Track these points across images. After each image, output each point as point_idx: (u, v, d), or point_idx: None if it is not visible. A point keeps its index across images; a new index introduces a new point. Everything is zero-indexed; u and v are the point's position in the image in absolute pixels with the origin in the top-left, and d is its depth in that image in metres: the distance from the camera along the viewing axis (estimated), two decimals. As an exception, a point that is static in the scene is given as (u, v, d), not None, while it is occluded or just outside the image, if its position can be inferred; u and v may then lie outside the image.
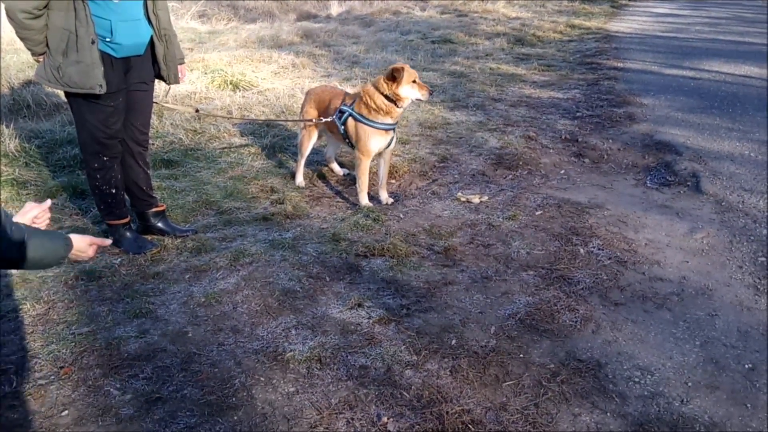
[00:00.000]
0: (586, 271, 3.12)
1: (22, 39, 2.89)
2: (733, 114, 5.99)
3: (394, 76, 3.69)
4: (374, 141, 3.82)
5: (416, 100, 3.77)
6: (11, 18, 2.79)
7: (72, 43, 2.84)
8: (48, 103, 5.65)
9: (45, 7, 2.80)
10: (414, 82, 3.72)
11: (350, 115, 3.85)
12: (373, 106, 3.74)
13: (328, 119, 3.99)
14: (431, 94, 3.80)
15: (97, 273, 3.09)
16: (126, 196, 3.41)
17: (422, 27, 11.34)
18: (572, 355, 2.49)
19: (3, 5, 2.83)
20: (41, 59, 2.98)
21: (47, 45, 2.90)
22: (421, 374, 2.36)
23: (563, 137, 5.35)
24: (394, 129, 3.89)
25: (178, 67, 3.34)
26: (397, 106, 3.75)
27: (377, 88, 3.75)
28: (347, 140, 3.97)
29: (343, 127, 3.91)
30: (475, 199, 4.05)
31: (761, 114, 5.92)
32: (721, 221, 3.69)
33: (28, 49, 2.94)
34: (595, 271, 3.11)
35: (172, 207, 3.85)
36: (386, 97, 3.72)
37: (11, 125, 4.87)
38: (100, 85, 2.90)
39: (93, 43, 2.85)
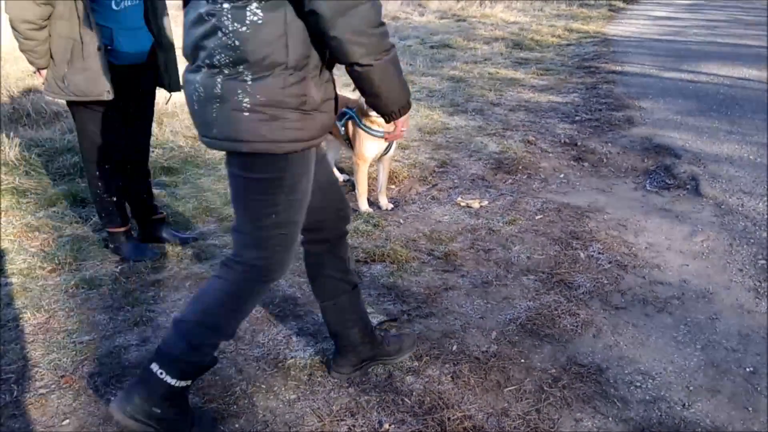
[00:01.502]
0: (586, 275, 3.13)
1: (25, 51, 2.88)
2: (731, 117, 6.00)
3: None
4: (369, 147, 3.81)
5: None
6: (15, 29, 2.79)
7: (77, 51, 2.85)
8: (48, 112, 5.66)
9: (49, 17, 2.81)
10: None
11: (350, 117, 3.86)
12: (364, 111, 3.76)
13: None
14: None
15: (97, 281, 3.09)
16: (126, 204, 3.41)
17: (421, 32, 11.37)
18: (573, 359, 2.49)
19: (6, 16, 2.84)
20: (43, 73, 2.98)
21: (51, 56, 2.90)
22: (422, 380, 2.36)
23: (562, 141, 5.36)
24: None
25: None
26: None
27: None
28: (348, 141, 3.97)
29: (343, 128, 3.92)
30: (475, 204, 4.05)
31: (760, 116, 5.93)
32: (721, 224, 3.69)
33: (31, 62, 2.94)
34: (595, 275, 3.11)
35: (173, 214, 3.85)
36: None
37: (11, 134, 4.88)
38: (108, 91, 2.92)
39: (99, 50, 2.86)
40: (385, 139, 2.03)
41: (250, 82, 1.69)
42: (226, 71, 1.70)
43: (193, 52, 1.78)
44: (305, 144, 1.80)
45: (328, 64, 1.81)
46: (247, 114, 1.71)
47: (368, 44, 1.66)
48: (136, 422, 1.92)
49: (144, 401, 1.92)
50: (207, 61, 1.72)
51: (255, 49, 1.67)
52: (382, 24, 1.68)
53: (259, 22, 1.65)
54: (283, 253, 1.95)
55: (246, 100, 1.70)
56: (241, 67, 1.69)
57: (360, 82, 1.76)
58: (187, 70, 1.84)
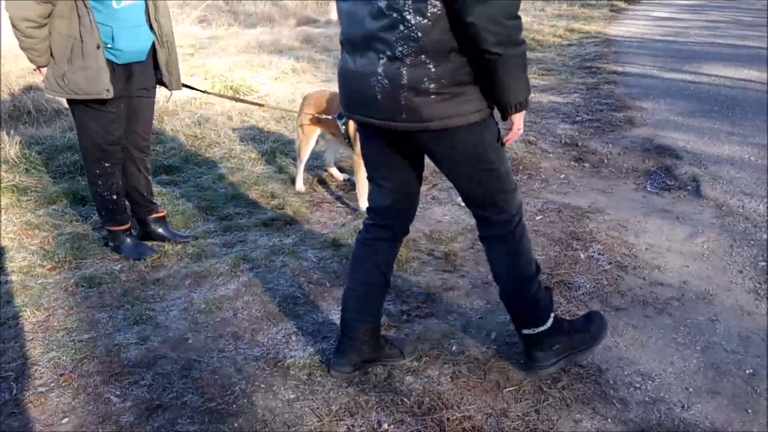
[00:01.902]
0: (586, 276, 3.12)
1: (25, 50, 2.88)
2: (732, 118, 5.99)
3: None
4: None
5: None
6: (15, 27, 2.79)
7: (77, 49, 2.85)
8: (48, 109, 5.66)
9: (49, 15, 2.81)
10: None
11: None
12: None
13: (330, 116, 3.98)
14: None
15: (97, 279, 3.09)
16: (127, 202, 3.41)
17: (422, 31, 11.34)
18: (573, 360, 2.48)
19: (6, 15, 2.84)
20: (43, 71, 2.98)
21: (51, 54, 2.90)
22: (421, 380, 2.36)
23: (563, 141, 5.36)
24: None
25: None
26: None
27: None
28: (348, 141, 3.96)
29: (344, 127, 3.91)
30: (476, 204, 4.04)
31: (761, 118, 5.93)
32: (722, 225, 3.68)
33: (31, 60, 2.94)
34: (595, 276, 3.11)
35: (173, 213, 3.85)
36: None
37: (12, 131, 4.88)
38: (108, 90, 2.91)
39: (98, 48, 2.86)
40: (504, 143, 2.13)
41: (433, 69, 1.85)
42: (407, 61, 1.85)
43: (366, 42, 1.92)
44: (488, 110, 1.99)
45: None
46: (433, 97, 1.88)
47: (500, 34, 1.76)
48: (554, 364, 2.34)
49: (545, 351, 2.32)
50: (388, 53, 1.87)
51: (436, 39, 1.82)
52: (518, 18, 1.79)
53: (439, 12, 1.79)
54: (517, 195, 2.20)
55: (432, 86, 1.86)
56: (423, 56, 1.84)
57: (484, 69, 1.87)
58: (360, 63, 1.97)
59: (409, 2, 1.79)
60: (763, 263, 3.23)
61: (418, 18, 1.79)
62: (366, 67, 1.94)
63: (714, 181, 4.35)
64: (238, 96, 6.46)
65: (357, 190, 4.00)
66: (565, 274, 3.13)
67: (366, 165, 2.34)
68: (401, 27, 1.81)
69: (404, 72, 1.86)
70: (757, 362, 2.47)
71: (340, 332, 2.40)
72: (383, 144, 2.16)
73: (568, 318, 2.57)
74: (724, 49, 10.00)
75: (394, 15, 1.81)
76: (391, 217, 2.32)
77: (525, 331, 2.31)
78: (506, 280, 2.28)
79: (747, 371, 2.42)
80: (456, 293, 2.99)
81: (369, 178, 2.35)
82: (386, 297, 2.42)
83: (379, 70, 1.89)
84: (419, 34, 1.81)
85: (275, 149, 5.08)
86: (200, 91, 3.85)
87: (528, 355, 2.38)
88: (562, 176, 4.59)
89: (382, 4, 1.82)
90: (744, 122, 5.82)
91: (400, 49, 1.84)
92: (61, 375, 2.40)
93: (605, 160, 4.91)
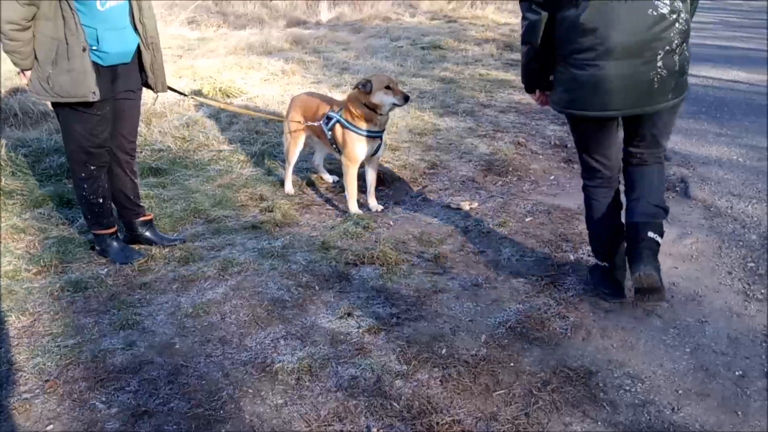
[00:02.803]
0: (575, 277, 3.12)
1: (8, 53, 2.85)
2: (720, 119, 6.02)
3: (361, 86, 3.74)
4: (359, 147, 3.81)
5: (393, 105, 3.75)
6: None
7: (62, 52, 2.81)
8: (35, 112, 5.60)
9: (33, 18, 2.77)
10: (388, 87, 3.70)
11: (337, 121, 3.85)
12: (356, 113, 3.75)
13: (315, 123, 3.98)
14: (407, 100, 3.75)
15: (83, 284, 3.05)
16: (113, 206, 3.38)
17: (412, 33, 11.35)
18: (563, 363, 2.48)
19: None
20: (28, 74, 2.94)
21: (35, 57, 2.87)
22: (411, 384, 2.35)
23: (552, 143, 5.36)
24: (381, 137, 3.89)
25: None
26: (377, 113, 3.74)
27: (357, 97, 3.76)
28: (334, 146, 3.96)
29: (330, 132, 3.90)
30: (465, 206, 4.04)
31: (749, 119, 5.96)
32: (710, 227, 3.69)
33: (15, 63, 2.90)
34: (585, 278, 3.10)
35: (160, 216, 3.81)
36: (365, 105, 3.72)
37: (-3, 134, 4.83)
38: (93, 92, 2.88)
39: (84, 50, 2.83)
40: None
41: (687, 55, 2.46)
42: (678, 50, 2.39)
43: (646, 45, 2.37)
44: None
45: None
46: (686, 76, 2.50)
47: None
48: (655, 275, 2.56)
49: (656, 260, 2.60)
50: (666, 48, 2.37)
51: (689, 27, 2.42)
52: None
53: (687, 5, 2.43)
54: None
55: (687, 66, 2.48)
56: (685, 44, 2.42)
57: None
58: (634, 64, 2.39)
59: (681, 3, 2.37)
60: (752, 264, 3.24)
61: (685, 14, 2.39)
62: (643, 66, 2.39)
63: (702, 182, 4.36)
64: (227, 97, 6.43)
65: (346, 193, 3.98)
66: (555, 276, 3.13)
67: (600, 154, 2.84)
68: (677, 25, 2.36)
69: (676, 59, 2.40)
70: (747, 364, 2.47)
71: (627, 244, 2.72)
72: (611, 129, 2.77)
73: None
74: (712, 51, 10.06)
75: (674, 16, 2.35)
76: (615, 180, 2.90)
77: (651, 234, 2.59)
78: (656, 193, 2.71)
79: (736, 373, 2.42)
80: (446, 295, 2.98)
81: (594, 166, 2.87)
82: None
83: (659, 63, 2.38)
84: (686, 27, 2.39)
85: (264, 151, 5.05)
86: (183, 95, 3.82)
87: (649, 263, 2.56)
88: (552, 178, 4.59)
89: (665, 11, 2.34)
90: (732, 123, 5.85)
91: (676, 42, 2.37)
92: (47, 381, 2.37)
93: (594, 162, 4.90)
